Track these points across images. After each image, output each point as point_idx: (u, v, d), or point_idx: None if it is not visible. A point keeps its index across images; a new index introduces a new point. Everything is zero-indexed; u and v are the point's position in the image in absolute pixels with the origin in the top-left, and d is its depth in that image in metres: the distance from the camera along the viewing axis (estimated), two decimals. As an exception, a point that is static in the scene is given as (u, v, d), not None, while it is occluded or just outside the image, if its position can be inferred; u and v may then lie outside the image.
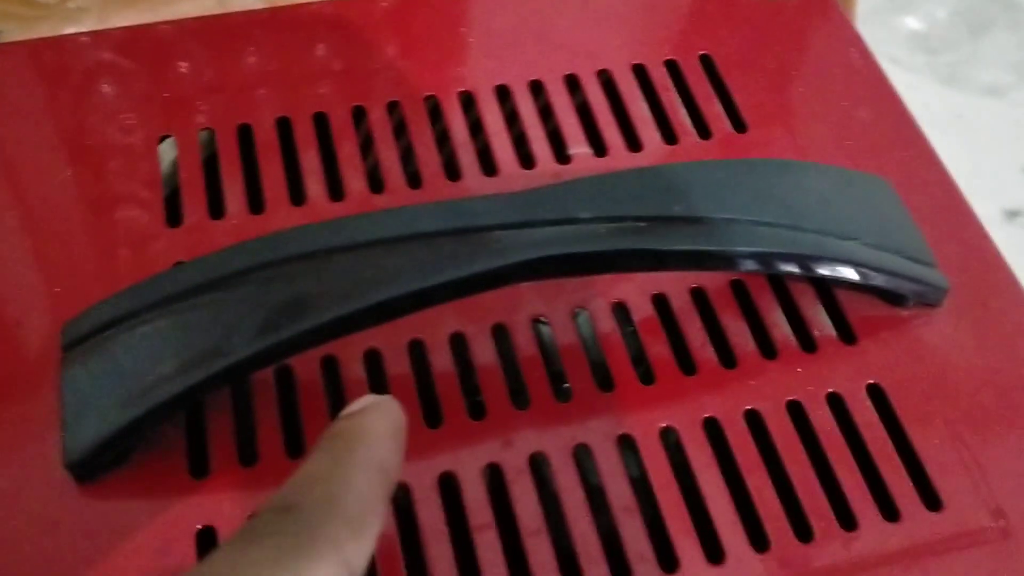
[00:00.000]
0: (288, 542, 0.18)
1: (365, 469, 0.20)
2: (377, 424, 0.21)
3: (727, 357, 0.28)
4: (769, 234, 0.27)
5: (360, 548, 0.19)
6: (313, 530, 0.18)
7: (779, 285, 0.30)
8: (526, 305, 0.29)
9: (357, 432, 0.21)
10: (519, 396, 0.28)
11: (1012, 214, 0.87)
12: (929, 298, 0.29)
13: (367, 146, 0.33)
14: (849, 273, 0.28)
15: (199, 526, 0.25)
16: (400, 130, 0.33)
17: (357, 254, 0.26)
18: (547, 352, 0.29)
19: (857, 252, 0.28)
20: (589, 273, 0.27)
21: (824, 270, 0.28)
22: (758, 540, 0.25)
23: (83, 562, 0.24)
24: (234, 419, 0.27)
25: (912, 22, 0.99)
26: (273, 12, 0.36)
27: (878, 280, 0.28)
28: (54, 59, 0.35)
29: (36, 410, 0.26)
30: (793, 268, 0.28)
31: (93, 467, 0.25)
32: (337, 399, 0.27)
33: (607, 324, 0.29)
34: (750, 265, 0.27)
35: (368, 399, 0.22)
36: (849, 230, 0.28)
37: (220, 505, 0.25)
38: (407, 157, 0.33)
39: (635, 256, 0.26)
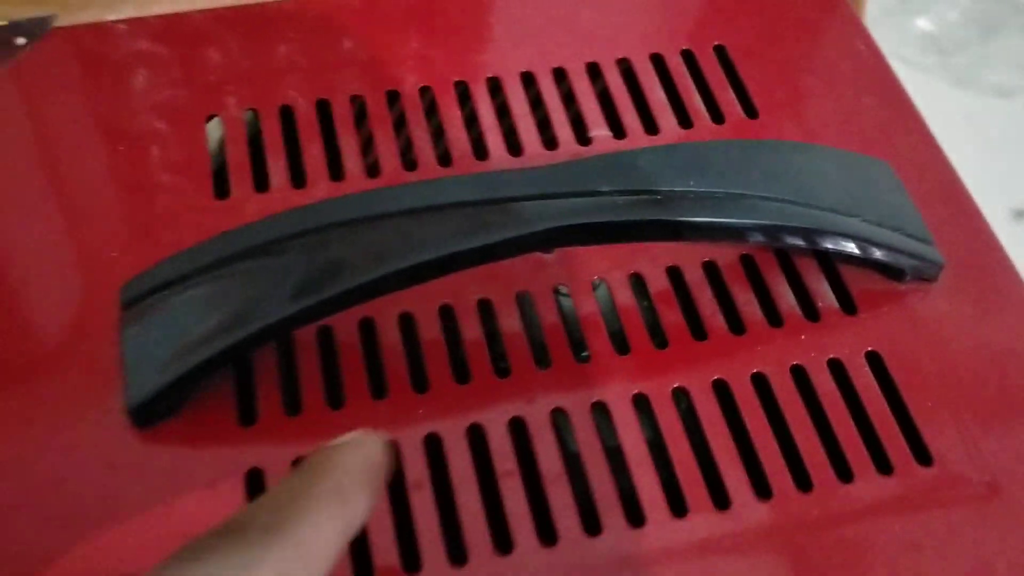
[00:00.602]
0: (228, 561, 0.18)
1: (322, 499, 0.20)
2: (348, 459, 0.21)
3: (736, 325, 0.30)
4: (776, 208, 0.29)
5: (302, 572, 0.19)
6: (254, 551, 0.18)
7: (785, 259, 0.32)
8: (548, 275, 0.31)
9: (324, 464, 0.21)
10: (541, 357, 0.30)
11: (1020, 214, 0.88)
12: (926, 273, 0.31)
13: (400, 127, 0.35)
14: (850, 247, 0.30)
15: (247, 468, 0.27)
16: (431, 112, 0.36)
17: (392, 221, 0.28)
18: (567, 319, 0.31)
19: (858, 227, 0.30)
20: (608, 242, 0.29)
21: (827, 243, 0.30)
22: (762, 489, 0.27)
23: (143, 499, 0.27)
24: (280, 373, 0.29)
25: (924, 24, 1.01)
26: (304, 2, 0.39)
27: (877, 254, 0.30)
28: (102, 44, 0.37)
29: (99, 363, 0.29)
30: (798, 241, 0.30)
31: (151, 414, 0.28)
32: (373, 357, 0.29)
33: (624, 294, 0.31)
34: (758, 237, 0.30)
35: (351, 435, 0.22)
36: (851, 207, 0.30)
37: (266, 450, 0.27)
38: (438, 138, 0.35)
39: (651, 226, 0.28)
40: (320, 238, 0.28)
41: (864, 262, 0.31)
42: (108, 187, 0.33)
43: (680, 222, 0.28)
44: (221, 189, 0.33)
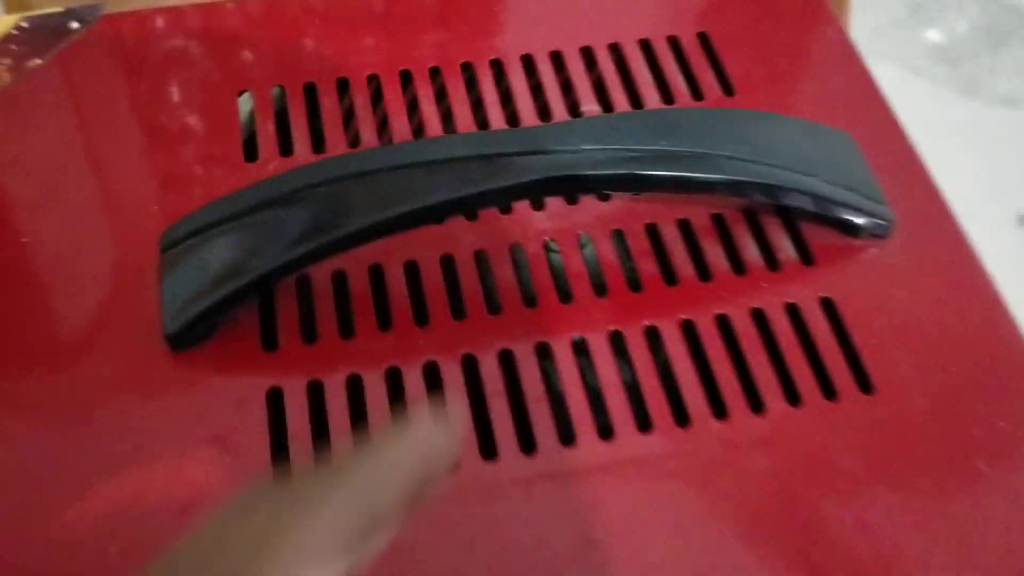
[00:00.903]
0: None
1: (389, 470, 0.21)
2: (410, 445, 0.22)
3: (704, 273, 0.34)
4: (742, 167, 0.33)
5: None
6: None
7: (752, 218, 0.35)
8: (538, 231, 0.35)
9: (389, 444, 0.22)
10: (530, 299, 0.33)
11: (1025, 219, 0.91)
12: (878, 230, 0.35)
13: (413, 105, 0.39)
14: (807, 203, 0.33)
15: (268, 387, 0.31)
16: (441, 89, 0.39)
17: (398, 173, 0.32)
18: (554, 268, 0.34)
19: (817, 186, 0.33)
20: (587, 192, 0.33)
21: (787, 199, 0.33)
22: (719, 411, 0.31)
23: (178, 412, 0.31)
24: (299, 309, 0.33)
25: (934, 35, 1.04)
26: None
27: (834, 210, 0.34)
28: (144, 30, 0.42)
29: (142, 298, 0.33)
30: (760, 196, 0.33)
31: (185, 340, 0.32)
32: (381, 297, 0.33)
33: (606, 247, 0.35)
34: (723, 191, 0.33)
35: (423, 416, 0.23)
36: (812, 169, 0.34)
37: (286, 372, 0.31)
38: (447, 113, 0.39)
39: (627, 180, 0.32)
40: (334, 188, 0.32)
41: (822, 218, 0.34)
42: (150, 152, 0.37)
43: (653, 176, 0.32)
44: (251, 153, 0.37)
